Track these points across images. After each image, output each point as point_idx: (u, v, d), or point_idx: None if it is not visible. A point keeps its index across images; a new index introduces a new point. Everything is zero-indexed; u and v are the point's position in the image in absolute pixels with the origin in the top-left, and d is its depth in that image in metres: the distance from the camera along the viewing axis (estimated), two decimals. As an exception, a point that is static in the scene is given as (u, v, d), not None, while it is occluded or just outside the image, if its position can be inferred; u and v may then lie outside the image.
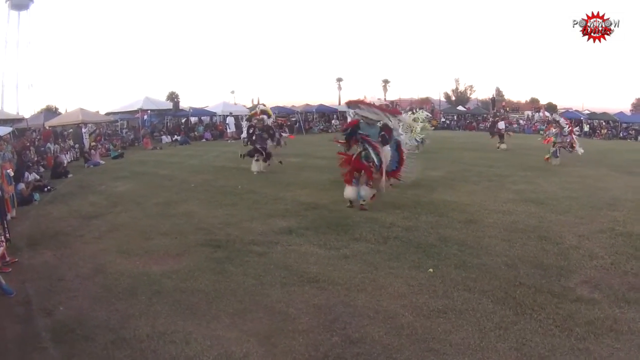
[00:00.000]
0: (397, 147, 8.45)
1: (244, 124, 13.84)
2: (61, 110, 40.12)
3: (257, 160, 12.25)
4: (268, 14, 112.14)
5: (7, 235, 6.13)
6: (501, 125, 19.80)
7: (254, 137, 12.31)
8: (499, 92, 56.42)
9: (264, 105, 14.48)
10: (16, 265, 5.68)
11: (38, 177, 12.36)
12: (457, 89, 63.32)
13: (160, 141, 25.80)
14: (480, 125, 37.68)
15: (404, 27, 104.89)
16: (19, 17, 40.84)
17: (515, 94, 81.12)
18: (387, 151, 7.82)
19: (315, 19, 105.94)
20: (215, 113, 32.41)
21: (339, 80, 67.98)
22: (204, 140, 27.96)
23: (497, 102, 45.97)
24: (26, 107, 37.31)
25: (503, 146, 18.40)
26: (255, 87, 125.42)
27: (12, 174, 8.91)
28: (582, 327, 3.65)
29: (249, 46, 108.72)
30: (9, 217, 7.32)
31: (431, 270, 4.87)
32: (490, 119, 20.76)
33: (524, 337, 3.50)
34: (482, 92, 73.61)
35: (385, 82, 66.48)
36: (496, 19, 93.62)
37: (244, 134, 13.62)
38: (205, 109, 34.38)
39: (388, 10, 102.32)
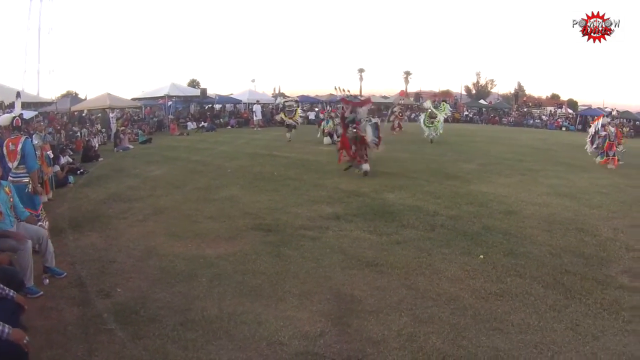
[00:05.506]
0: (376, 128, 10.36)
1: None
2: (81, 95, 40.77)
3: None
4: (290, 2, 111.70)
5: None
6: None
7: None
8: (520, 87, 55.84)
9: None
10: (62, 246, 5.51)
11: (71, 160, 12.54)
12: (477, 82, 63.02)
13: (186, 127, 26.07)
14: (503, 119, 37.88)
15: (426, 19, 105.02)
16: (42, 3, 41.15)
17: (536, 89, 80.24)
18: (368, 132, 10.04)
19: (337, 9, 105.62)
20: (241, 101, 32.62)
21: (361, 70, 68.09)
22: (229, 127, 28.30)
23: (519, 97, 45.85)
24: (47, 92, 37.39)
25: None
26: (276, 75, 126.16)
27: (51, 155, 8.95)
28: (628, 311, 3.85)
29: (270, 34, 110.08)
30: (45, 198, 7.28)
31: (482, 256, 5.06)
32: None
33: (577, 319, 3.70)
34: (502, 87, 73.03)
35: (407, 73, 65.95)
36: (519, 13, 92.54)
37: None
38: (231, 96, 34.44)
39: (411, 2, 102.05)
